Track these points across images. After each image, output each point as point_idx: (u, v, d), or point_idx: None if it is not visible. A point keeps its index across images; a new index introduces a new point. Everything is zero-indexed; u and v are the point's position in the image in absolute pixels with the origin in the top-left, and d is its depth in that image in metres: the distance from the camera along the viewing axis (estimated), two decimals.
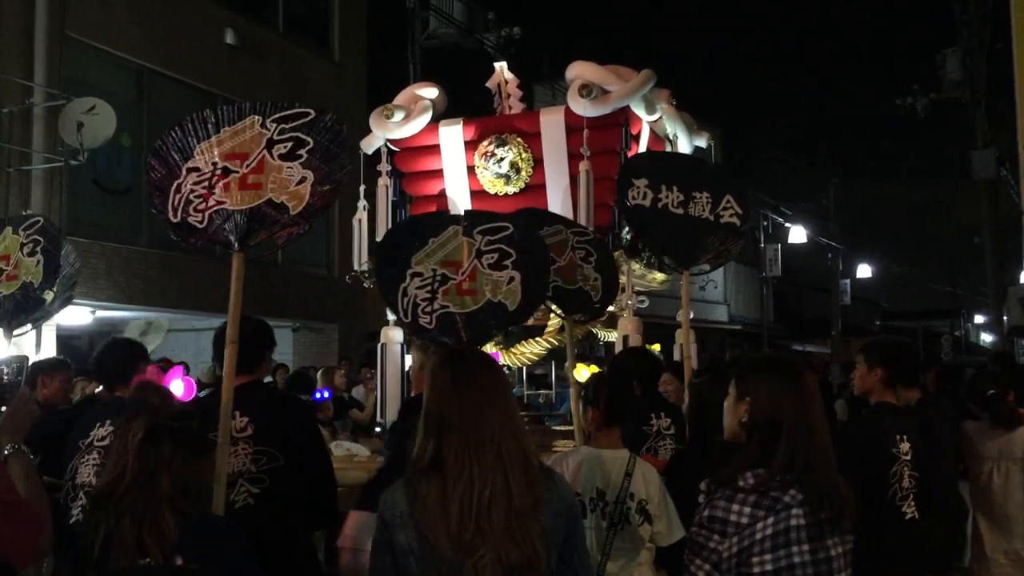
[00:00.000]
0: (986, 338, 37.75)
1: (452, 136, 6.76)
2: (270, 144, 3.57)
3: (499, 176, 6.60)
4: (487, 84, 7.16)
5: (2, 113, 10.16)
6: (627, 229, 6.50)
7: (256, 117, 3.64)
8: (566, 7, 51.00)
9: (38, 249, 4.91)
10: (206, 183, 3.60)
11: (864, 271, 32.09)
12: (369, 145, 6.95)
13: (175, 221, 3.64)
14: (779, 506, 2.33)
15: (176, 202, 3.64)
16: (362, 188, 6.77)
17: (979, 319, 37.57)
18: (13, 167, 10.20)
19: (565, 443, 5.45)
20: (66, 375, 5.40)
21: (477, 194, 6.71)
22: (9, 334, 4.86)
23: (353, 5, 16.16)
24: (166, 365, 9.13)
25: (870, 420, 4.16)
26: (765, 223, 25.88)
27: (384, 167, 6.93)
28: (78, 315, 11.92)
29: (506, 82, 7.06)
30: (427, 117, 6.80)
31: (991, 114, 16.60)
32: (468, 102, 7.79)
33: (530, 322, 5.77)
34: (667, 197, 4.99)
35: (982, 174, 16.19)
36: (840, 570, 2.38)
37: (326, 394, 7.73)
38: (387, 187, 6.92)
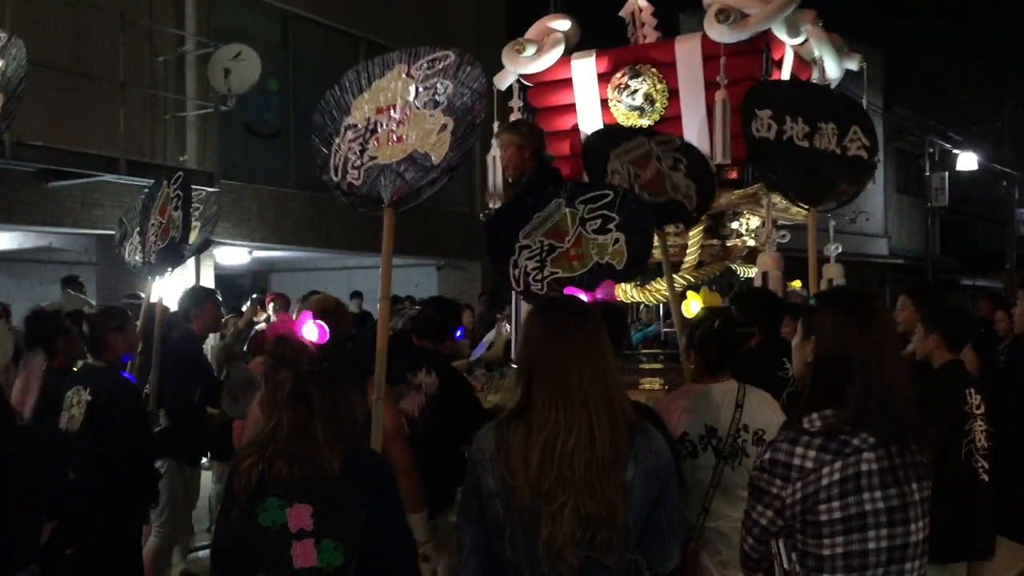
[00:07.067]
0: None
1: (584, 69, 6.55)
2: (415, 93, 3.66)
3: (633, 109, 6.36)
4: (621, 13, 6.90)
5: (157, 62, 10.61)
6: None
7: (402, 66, 3.75)
8: None
9: (179, 204, 5.37)
10: (361, 140, 3.73)
11: None
12: (502, 81, 6.82)
13: (335, 180, 3.80)
14: (848, 450, 2.15)
15: (337, 161, 3.81)
16: (496, 125, 6.67)
17: None
18: (169, 114, 10.67)
19: None
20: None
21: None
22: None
23: None
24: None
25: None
26: (931, 149, 24.42)
27: (516, 103, 6.79)
28: (237, 255, 12.46)
29: (640, 10, 6.77)
30: (559, 50, 6.61)
31: None
32: (602, 32, 7.54)
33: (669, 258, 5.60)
34: (792, 129, 4.77)
35: None
36: (918, 518, 2.20)
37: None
38: None
